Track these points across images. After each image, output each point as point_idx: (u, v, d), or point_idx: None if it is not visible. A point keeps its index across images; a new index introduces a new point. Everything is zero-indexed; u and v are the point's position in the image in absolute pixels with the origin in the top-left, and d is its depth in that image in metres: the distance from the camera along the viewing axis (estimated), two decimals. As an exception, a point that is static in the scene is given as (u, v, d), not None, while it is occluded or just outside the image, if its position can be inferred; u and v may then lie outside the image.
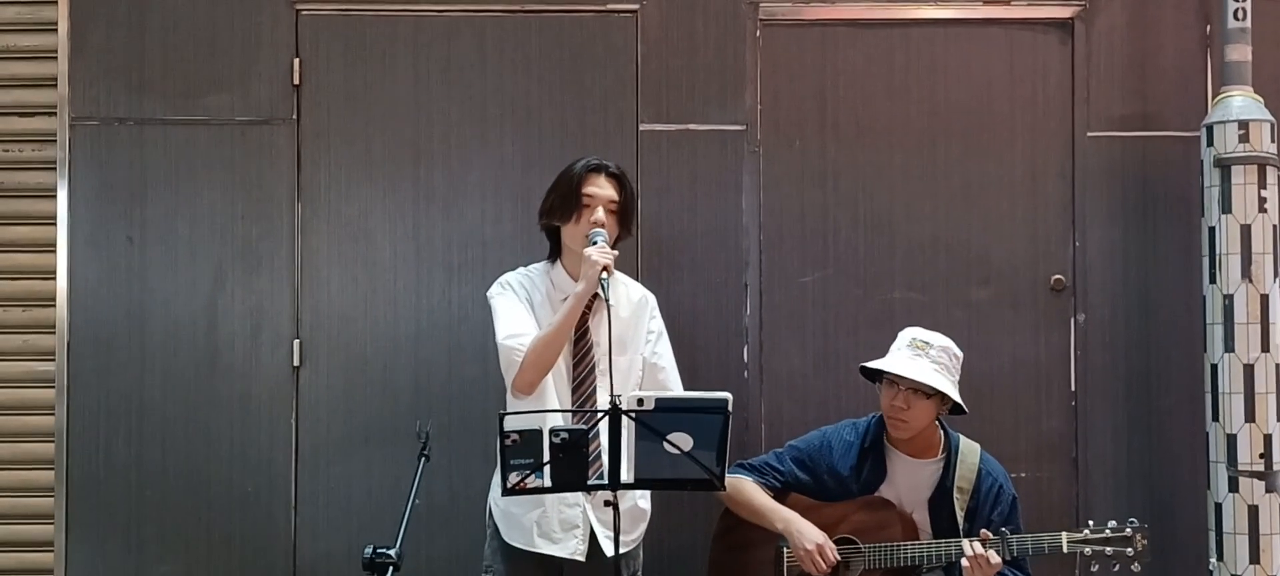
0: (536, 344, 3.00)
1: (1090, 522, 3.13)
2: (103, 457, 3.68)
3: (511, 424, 2.53)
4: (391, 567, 2.52)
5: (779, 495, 3.26)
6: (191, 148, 3.72)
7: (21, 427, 3.74)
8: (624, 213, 3.12)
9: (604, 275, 2.92)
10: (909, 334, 3.20)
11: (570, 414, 2.97)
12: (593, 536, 3.04)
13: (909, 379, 3.11)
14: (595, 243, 2.99)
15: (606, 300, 2.91)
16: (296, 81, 3.73)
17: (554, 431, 2.51)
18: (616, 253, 3.05)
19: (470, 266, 3.70)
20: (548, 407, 3.01)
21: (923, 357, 3.13)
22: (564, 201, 3.10)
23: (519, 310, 3.08)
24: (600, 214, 3.07)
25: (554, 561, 3.06)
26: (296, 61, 3.73)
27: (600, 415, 2.59)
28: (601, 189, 3.09)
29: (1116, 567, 3.09)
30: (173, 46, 3.73)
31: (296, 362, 3.69)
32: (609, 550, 2.97)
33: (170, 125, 3.72)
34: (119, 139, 3.72)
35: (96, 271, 3.71)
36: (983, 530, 3.08)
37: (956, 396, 3.14)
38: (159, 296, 3.70)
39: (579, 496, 2.99)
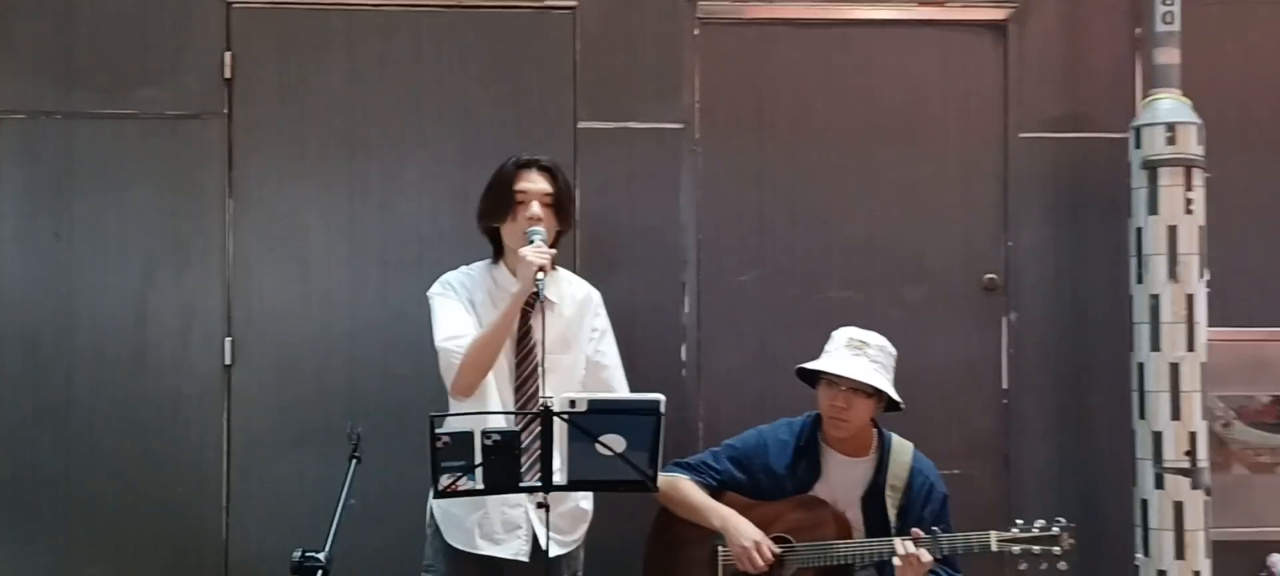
0: (474, 346, 2.98)
1: (1019, 522, 3.18)
2: (29, 458, 3.61)
3: (443, 426, 2.51)
4: (320, 571, 2.48)
5: (715, 493, 3.26)
6: (120, 142, 3.65)
7: (-55, 427, 3.66)
8: (559, 205, 3.09)
9: (540, 274, 2.89)
10: (845, 333, 3.23)
11: (502, 415, 2.95)
12: (535, 537, 3.03)
13: (850, 379, 3.13)
14: (532, 241, 2.97)
15: (542, 299, 2.89)
16: (228, 75, 3.67)
17: (486, 433, 2.50)
18: (554, 250, 3.03)
19: (406, 264, 3.67)
20: (489, 408, 2.98)
21: (861, 356, 3.16)
22: (498, 201, 3.08)
23: (458, 311, 3.06)
24: (536, 209, 3.04)
25: (496, 562, 3.04)
26: (228, 55, 3.67)
27: (532, 416, 2.57)
28: (534, 184, 3.07)
29: (1043, 566, 3.14)
30: (101, 39, 3.66)
31: (228, 361, 3.64)
32: (552, 550, 2.98)
33: (98, 119, 3.65)
34: (46, 133, 3.65)
35: (22, 268, 3.63)
36: (914, 529, 3.11)
37: (895, 394, 3.16)
38: (87, 294, 3.64)
39: (522, 497, 2.98)
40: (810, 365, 3.21)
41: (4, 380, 3.61)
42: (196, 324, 3.65)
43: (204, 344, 3.64)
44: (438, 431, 2.50)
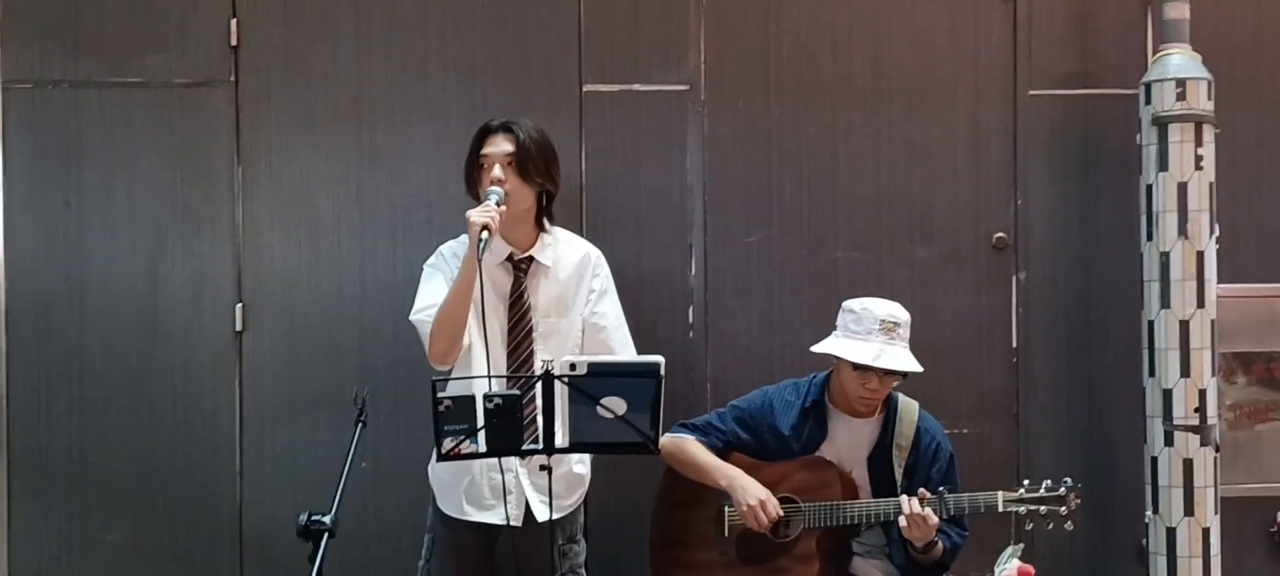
0: (438, 314, 2.99)
1: (1026, 482, 3.18)
2: (44, 425, 3.64)
3: (443, 390, 2.53)
4: (326, 534, 2.51)
5: (721, 454, 3.28)
6: (128, 111, 3.67)
7: (-40, 396, 3.71)
8: (521, 162, 3.04)
9: (484, 233, 2.86)
10: (874, 315, 3.14)
11: (504, 379, 2.96)
12: (527, 502, 3.05)
13: (901, 371, 3.11)
14: (489, 199, 2.96)
15: (479, 260, 2.86)
16: (234, 42, 3.67)
17: (487, 397, 2.51)
18: (501, 208, 2.96)
19: (415, 229, 3.68)
20: (477, 372, 2.99)
21: (897, 342, 3.13)
22: (469, 169, 3.11)
23: (436, 284, 3.08)
24: (496, 171, 3.04)
25: (488, 527, 3.07)
26: (234, 22, 3.67)
27: (533, 380, 2.59)
28: (496, 147, 3.07)
29: (1050, 526, 3.15)
30: (107, 8, 3.67)
31: (239, 327, 3.67)
32: (542, 515, 3.00)
33: (106, 88, 3.66)
34: (54, 102, 3.66)
35: (33, 237, 3.66)
36: (921, 489, 3.11)
37: (919, 368, 3.15)
38: (98, 262, 3.66)
39: (512, 461, 2.99)
40: (856, 359, 3.12)
41: (17, 348, 3.65)
42: (207, 291, 3.67)
43: (215, 311, 3.67)
44: (440, 395, 2.51)
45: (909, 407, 3.27)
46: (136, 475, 3.65)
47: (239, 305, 3.67)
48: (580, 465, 3.14)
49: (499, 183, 3.02)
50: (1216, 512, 3.54)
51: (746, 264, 3.77)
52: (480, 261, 2.86)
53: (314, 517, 2.52)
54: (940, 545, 3.13)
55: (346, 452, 2.76)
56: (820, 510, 3.18)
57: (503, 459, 2.84)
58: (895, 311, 3.17)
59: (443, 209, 3.66)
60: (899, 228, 3.78)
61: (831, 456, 3.24)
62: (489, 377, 2.78)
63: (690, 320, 3.74)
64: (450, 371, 3.06)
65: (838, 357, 3.18)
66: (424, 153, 3.71)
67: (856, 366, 3.14)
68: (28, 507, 3.64)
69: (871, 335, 3.13)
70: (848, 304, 3.23)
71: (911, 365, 3.12)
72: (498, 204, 2.95)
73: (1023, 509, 3.14)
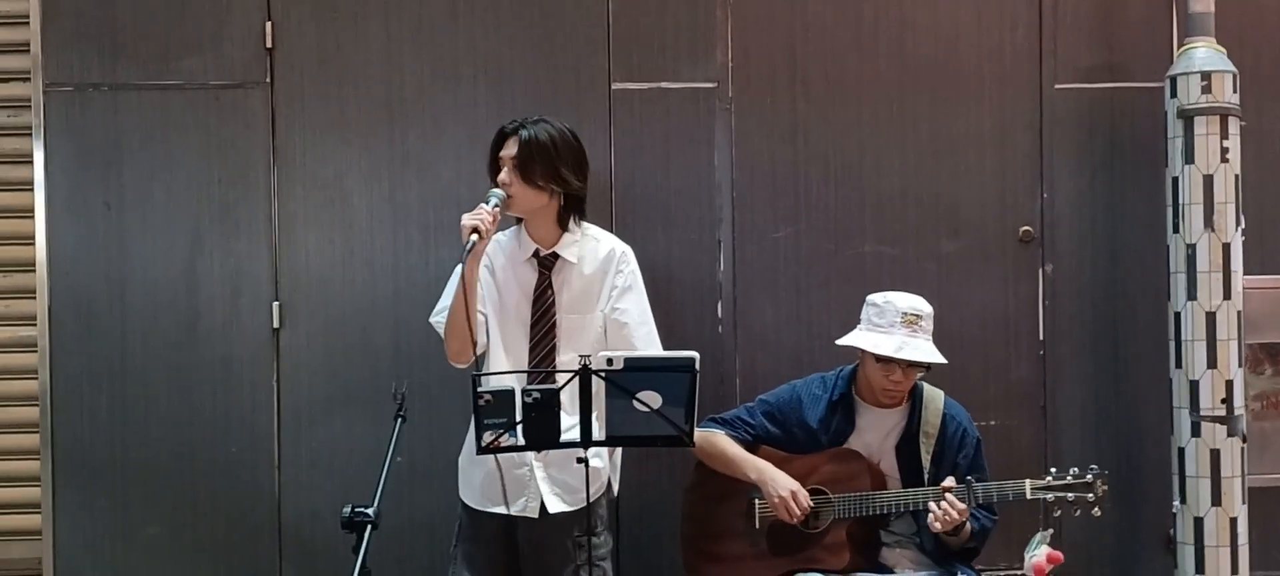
0: (448, 318, 3.07)
1: (1053, 470, 3.21)
2: (87, 421, 3.72)
3: (484, 384, 2.59)
4: (369, 526, 2.57)
5: (750, 447, 3.32)
6: (166, 112, 3.73)
7: (6, 392, 3.79)
8: (523, 166, 3.08)
9: (473, 236, 2.91)
10: (896, 308, 3.19)
11: (542, 373, 3.02)
12: (542, 495, 3.11)
13: (923, 363, 3.16)
14: (486, 201, 3.02)
15: (463, 265, 2.91)
16: (269, 44, 3.73)
17: (525, 392, 2.57)
18: (495, 211, 3.01)
19: (446, 226, 3.73)
20: (497, 366, 3.06)
21: (919, 334, 3.18)
22: (491, 170, 3.17)
23: (455, 285, 3.10)
24: (504, 174, 3.10)
25: (508, 517, 3.12)
26: (268, 24, 3.73)
27: (571, 375, 2.64)
28: (507, 149, 3.12)
29: (1078, 512, 3.18)
30: (145, 11, 3.73)
31: (276, 324, 3.74)
32: (553, 508, 3.07)
33: (144, 90, 3.73)
34: (93, 105, 3.73)
35: (75, 237, 3.73)
36: (949, 477, 3.15)
37: (943, 359, 3.19)
38: (138, 261, 3.73)
39: (527, 457, 3.04)
40: (878, 351, 3.16)
41: (60, 347, 3.72)
42: (245, 289, 3.74)
43: (253, 308, 3.74)
44: (480, 390, 2.57)
45: (934, 395, 3.31)
46: (177, 469, 3.73)
47: (276, 303, 3.74)
48: (597, 459, 3.13)
49: (504, 185, 3.08)
50: (1244, 502, 3.56)
51: (774, 259, 3.81)
52: (464, 263, 2.92)
53: (357, 510, 2.58)
54: (969, 527, 3.17)
55: (386, 446, 2.82)
56: (850, 501, 3.22)
57: (519, 455, 2.88)
58: (917, 304, 3.21)
59: (473, 206, 3.66)
60: (925, 221, 3.81)
61: (859, 447, 3.29)
62: (529, 372, 2.83)
63: (719, 315, 3.78)
64: (481, 366, 3.11)
65: (862, 350, 3.22)
66: (454, 151, 3.76)
67: (880, 359, 3.18)
68: (72, 502, 3.72)
69: (894, 328, 3.18)
70: (871, 298, 3.27)
71: (934, 356, 3.16)
72: (495, 206, 3.01)
73: (1051, 496, 3.17)
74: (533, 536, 3.13)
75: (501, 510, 3.09)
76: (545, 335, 3.11)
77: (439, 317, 3.14)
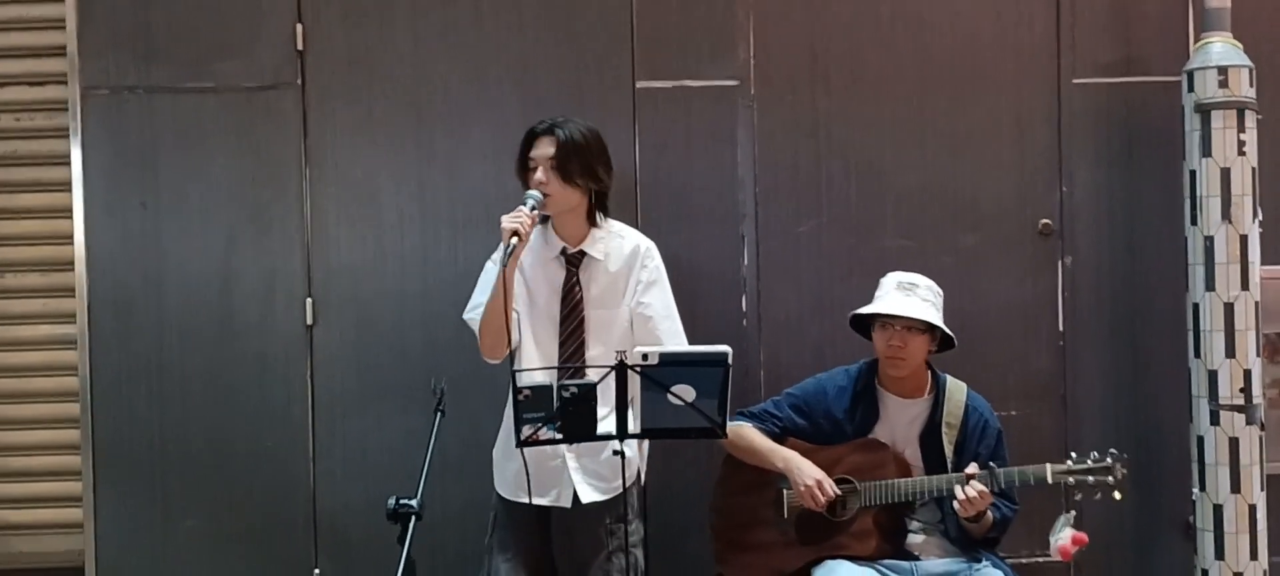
0: (484, 315, 3.12)
1: (1073, 454, 3.27)
2: (126, 416, 3.80)
3: (523, 380, 2.66)
4: (414, 516, 2.64)
5: (778, 439, 3.38)
6: (200, 114, 3.81)
7: (47, 388, 3.88)
8: (562, 165, 3.14)
9: (513, 239, 2.97)
10: (893, 277, 3.34)
11: (580, 369, 3.08)
12: (575, 486, 3.18)
13: (905, 316, 3.23)
14: (524, 203, 3.08)
15: (502, 266, 2.97)
16: (300, 47, 3.80)
17: (562, 386, 2.64)
18: (533, 214, 3.07)
19: (475, 224, 3.79)
20: (528, 362, 3.14)
21: (912, 296, 3.27)
22: (521, 171, 3.22)
23: (489, 281, 3.17)
24: (539, 175, 3.15)
25: (541, 507, 3.20)
26: (299, 27, 3.80)
27: (608, 370, 2.71)
28: (540, 150, 3.17)
29: (1099, 495, 3.23)
30: (179, 15, 3.80)
31: (309, 321, 3.81)
32: (586, 498, 3.15)
33: (179, 93, 3.81)
34: (129, 107, 3.81)
35: (113, 237, 3.81)
36: (972, 463, 3.21)
37: (946, 329, 3.27)
38: (174, 261, 3.81)
39: (560, 449, 3.11)
40: (864, 310, 3.30)
41: (99, 344, 3.80)
42: (279, 286, 3.81)
43: (287, 305, 3.81)
44: (520, 385, 2.64)
45: (957, 387, 3.37)
46: (215, 463, 3.81)
47: (309, 299, 3.81)
48: (627, 448, 3.14)
49: (540, 185, 3.13)
50: (1263, 489, 3.62)
51: (797, 253, 3.87)
52: (504, 266, 2.97)
53: (402, 501, 2.65)
54: (990, 516, 3.24)
55: (418, 440, 2.89)
56: (876, 488, 3.28)
57: (552, 448, 2.95)
58: (914, 277, 3.32)
59: (500, 205, 3.69)
60: (946, 215, 3.86)
61: (884, 437, 3.35)
62: (566, 367, 2.89)
63: (743, 309, 3.85)
64: (514, 361, 3.18)
65: (867, 319, 3.31)
66: (481, 150, 3.83)
67: (880, 324, 3.27)
68: (112, 496, 3.81)
69: (887, 294, 3.30)
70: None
71: (926, 315, 3.23)
72: (533, 208, 3.06)
73: (1071, 480, 3.23)
74: (566, 524, 3.21)
75: (537, 501, 3.15)
76: (574, 330, 3.17)
77: (473, 314, 3.20)
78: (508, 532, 3.27)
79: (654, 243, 3.35)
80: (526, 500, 3.13)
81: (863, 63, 3.87)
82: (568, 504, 3.19)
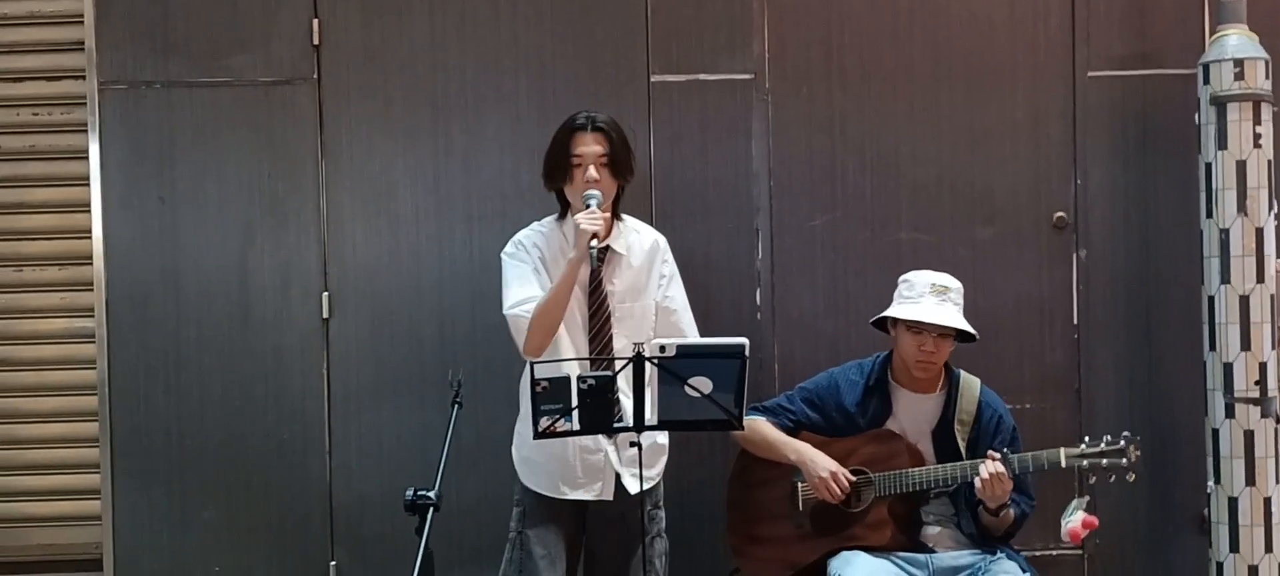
0: (537, 312, 3.12)
1: (1087, 438, 3.28)
2: (144, 409, 3.83)
3: (541, 372, 2.68)
4: (432, 508, 2.66)
5: (792, 433, 3.39)
6: (217, 109, 3.83)
7: (65, 382, 3.90)
8: (615, 163, 3.19)
9: (593, 242, 3.02)
10: (925, 279, 3.30)
11: (597, 361, 3.10)
12: (618, 476, 3.20)
13: (948, 326, 3.23)
14: (588, 205, 3.09)
15: (594, 266, 3.01)
16: (316, 41, 3.82)
17: (581, 378, 2.65)
18: (606, 215, 3.13)
19: (490, 218, 3.81)
20: (562, 355, 3.13)
21: (947, 302, 3.26)
22: (558, 165, 3.22)
23: (524, 275, 3.19)
24: (592, 172, 3.16)
25: (580, 502, 3.22)
26: (315, 22, 3.82)
27: (625, 362, 2.72)
28: (589, 147, 3.18)
29: (1113, 478, 3.24)
30: (196, 10, 3.82)
31: (326, 314, 3.83)
32: (633, 488, 3.14)
33: (196, 87, 3.83)
34: (147, 101, 3.83)
35: (130, 231, 3.83)
36: (991, 449, 3.21)
37: (975, 332, 3.27)
38: (191, 254, 3.83)
39: (602, 443, 3.14)
40: (906, 316, 3.26)
41: (117, 337, 3.83)
42: (295, 280, 3.83)
43: (303, 299, 3.83)
44: (538, 377, 2.65)
45: (971, 383, 3.38)
46: (231, 456, 3.83)
47: (325, 293, 3.83)
48: (661, 437, 3.27)
49: (594, 183, 3.14)
50: (1278, 482, 3.61)
51: (811, 247, 3.87)
52: (596, 265, 3.03)
53: (420, 493, 2.67)
54: (1011, 511, 3.24)
55: (434, 432, 2.91)
56: (891, 478, 3.29)
57: (592, 438, 2.97)
58: (946, 279, 3.30)
59: (516, 198, 3.79)
60: (960, 209, 3.86)
61: (896, 431, 3.35)
62: (588, 359, 2.91)
63: (757, 302, 3.85)
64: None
65: (894, 321, 3.30)
66: (497, 144, 3.84)
67: (910, 327, 3.25)
68: (130, 488, 3.83)
69: (923, 297, 3.26)
70: (903, 276, 3.36)
71: (963, 324, 3.24)
72: (598, 207, 3.09)
73: (1085, 462, 3.23)
74: (607, 514, 3.23)
75: (581, 495, 3.19)
76: (603, 325, 3.18)
77: (519, 309, 3.16)
78: (546, 527, 3.26)
79: (667, 237, 3.38)
80: (566, 495, 3.14)
81: (878, 56, 3.87)
82: (609, 496, 3.21)
